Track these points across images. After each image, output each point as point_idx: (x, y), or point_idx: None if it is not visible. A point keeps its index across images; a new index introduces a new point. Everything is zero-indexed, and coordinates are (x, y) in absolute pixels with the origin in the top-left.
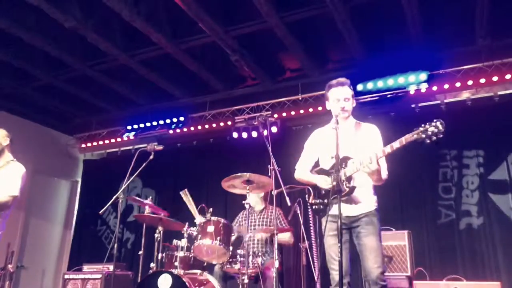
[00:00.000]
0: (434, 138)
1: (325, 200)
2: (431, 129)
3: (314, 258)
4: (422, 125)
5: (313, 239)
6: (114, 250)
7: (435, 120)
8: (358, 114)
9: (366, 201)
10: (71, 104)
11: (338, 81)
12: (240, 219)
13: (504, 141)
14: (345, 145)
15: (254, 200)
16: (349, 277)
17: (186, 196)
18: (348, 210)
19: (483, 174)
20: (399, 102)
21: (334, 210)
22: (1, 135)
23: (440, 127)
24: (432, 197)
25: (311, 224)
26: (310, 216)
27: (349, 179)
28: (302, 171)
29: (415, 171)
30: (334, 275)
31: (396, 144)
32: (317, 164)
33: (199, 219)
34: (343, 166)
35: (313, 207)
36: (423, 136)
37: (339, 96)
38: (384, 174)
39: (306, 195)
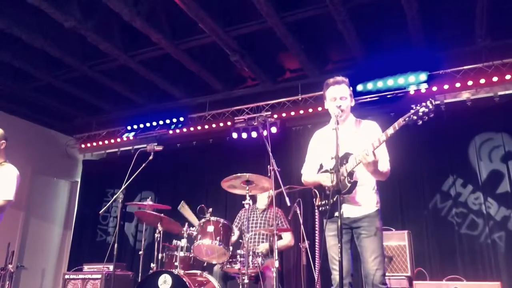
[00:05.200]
0: (426, 117)
1: (330, 201)
2: (422, 109)
3: (316, 260)
4: (413, 107)
5: (317, 241)
6: (114, 250)
7: (426, 101)
8: (357, 114)
9: (368, 201)
10: (71, 104)
11: (335, 79)
12: (241, 218)
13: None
14: (346, 142)
15: (262, 199)
16: (350, 277)
17: (184, 208)
18: (349, 211)
19: (475, 184)
20: (399, 103)
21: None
22: None
23: (430, 106)
24: (432, 196)
25: (317, 227)
26: (316, 219)
27: (350, 174)
28: (308, 174)
29: (416, 170)
30: (335, 276)
31: (390, 131)
32: (322, 166)
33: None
34: (345, 162)
35: (320, 208)
36: (415, 117)
37: (336, 94)
38: (383, 166)
39: (314, 198)
